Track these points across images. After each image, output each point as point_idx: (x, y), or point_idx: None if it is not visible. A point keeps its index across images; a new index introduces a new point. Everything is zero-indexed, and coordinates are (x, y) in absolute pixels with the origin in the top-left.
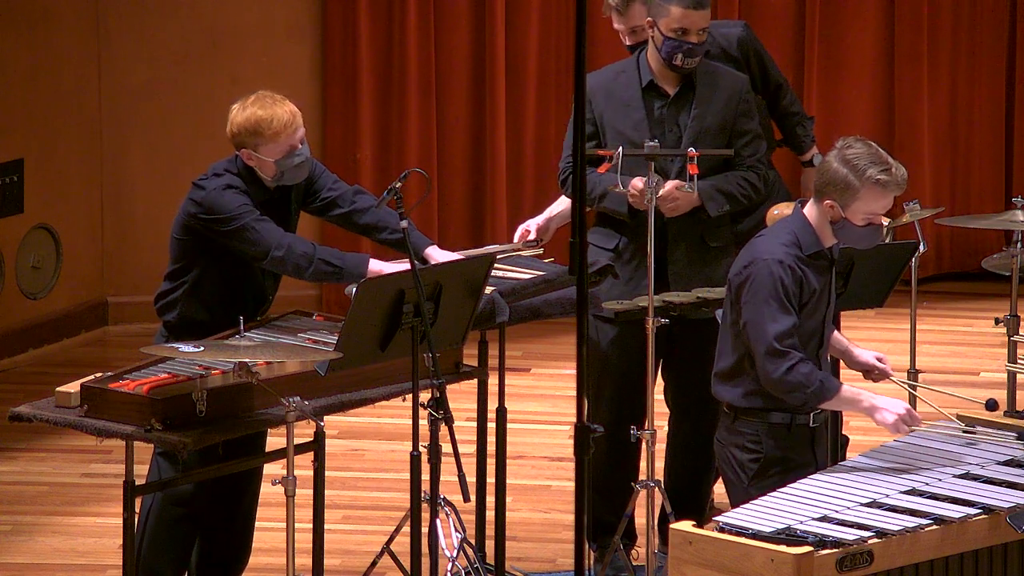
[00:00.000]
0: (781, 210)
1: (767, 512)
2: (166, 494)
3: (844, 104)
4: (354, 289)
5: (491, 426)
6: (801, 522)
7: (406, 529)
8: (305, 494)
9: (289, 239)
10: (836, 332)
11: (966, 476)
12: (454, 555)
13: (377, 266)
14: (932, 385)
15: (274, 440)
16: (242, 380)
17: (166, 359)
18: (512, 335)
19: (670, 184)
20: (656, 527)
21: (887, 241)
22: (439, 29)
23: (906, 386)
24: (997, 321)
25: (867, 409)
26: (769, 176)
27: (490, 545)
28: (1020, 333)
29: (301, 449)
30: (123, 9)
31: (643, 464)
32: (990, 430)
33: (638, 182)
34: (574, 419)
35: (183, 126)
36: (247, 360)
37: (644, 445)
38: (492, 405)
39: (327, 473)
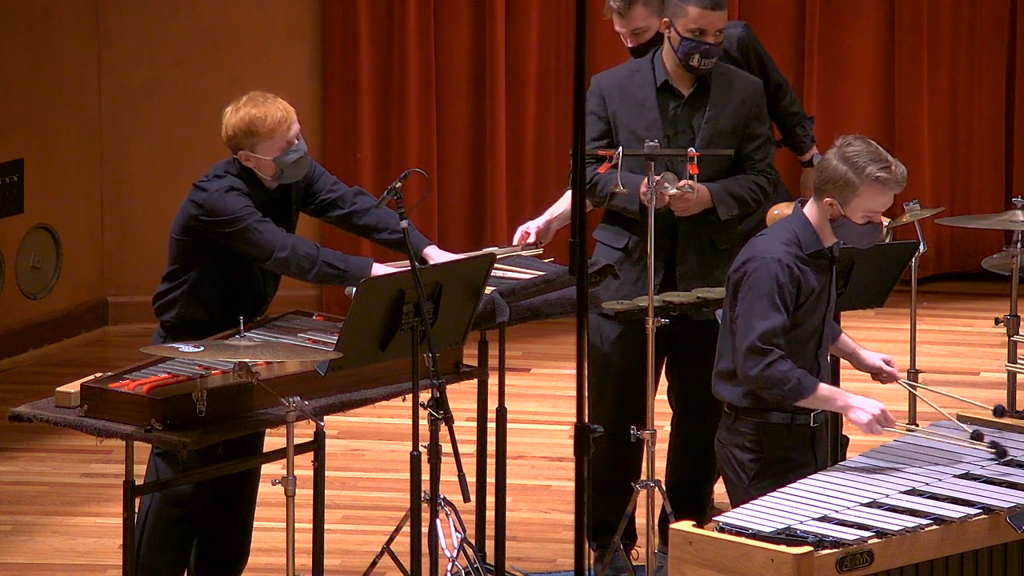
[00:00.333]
0: (781, 210)
1: (767, 512)
2: (164, 495)
3: (844, 104)
4: (354, 289)
5: (491, 426)
6: (801, 522)
7: (406, 529)
8: (305, 494)
9: (292, 241)
10: (844, 335)
11: (966, 476)
12: (454, 555)
13: (380, 270)
14: (932, 386)
15: (274, 440)
16: (242, 380)
17: (166, 359)
18: (512, 335)
19: (682, 183)
20: (656, 527)
21: (887, 241)
22: (439, 29)
23: (913, 388)
24: (997, 321)
25: (842, 408)
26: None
27: (490, 545)
28: (1020, 333)
29: (301, 449)
30: (123, 9)
31: (643, 464)
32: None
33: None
34: (574, 419)
35: (183, 126)
36: (247, 360)
37: (644, 445)
38: (492, 405)
39: (327, 473)
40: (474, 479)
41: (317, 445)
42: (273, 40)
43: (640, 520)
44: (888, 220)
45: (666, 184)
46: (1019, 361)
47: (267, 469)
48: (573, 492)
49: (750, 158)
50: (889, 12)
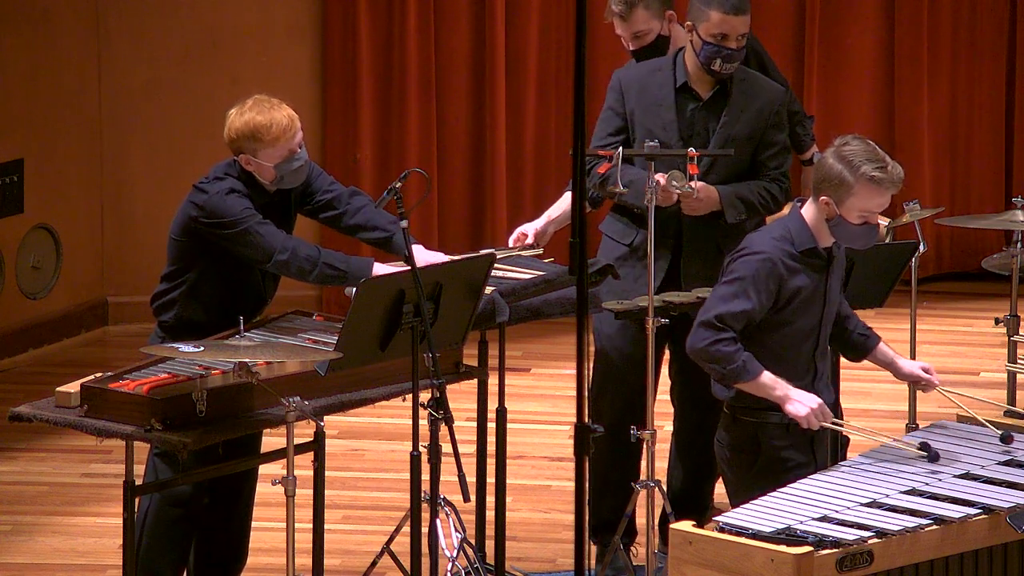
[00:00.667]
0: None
1: (767, 512)
2: (163, 495)
3: (844, 104)
4: (354, 289)
5: (491, 426)
6: (801, 522)
7: (406, 529)
8: (305, 494)
9: (293, 242)
10: (882, 343)
11: (966, 476)
12: (454, 555)
13: (382, 270)
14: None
15: (274, 440)
16: (242, 380)
17: (166, 359)
18: (512, 335)
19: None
20: (656, 527)
21: (887, 241)
22: (439, 29)
23: (949, 394)
24: (997, 321)
25: (780, 398)
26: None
27: (490, 545)
28: (1020, 333)
29: (301, 449)
30: (123, 9)
31: (643, 464)
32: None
33: (660, 178)
34: (574, 419)
35: (183, 126)
36: (247, 360)
37: (644, 445)
38: (492, 405)
39: (327, 473)
40: (474, 479)
41: (317, 445)
42: (273, 40)
43: (640, 520)
44: (888, 220)
45: (673, 183)
46: (1019, 361)
47: (267, 469)
48: (573, 492)
49: (765, 165)
50: (889, 12)
